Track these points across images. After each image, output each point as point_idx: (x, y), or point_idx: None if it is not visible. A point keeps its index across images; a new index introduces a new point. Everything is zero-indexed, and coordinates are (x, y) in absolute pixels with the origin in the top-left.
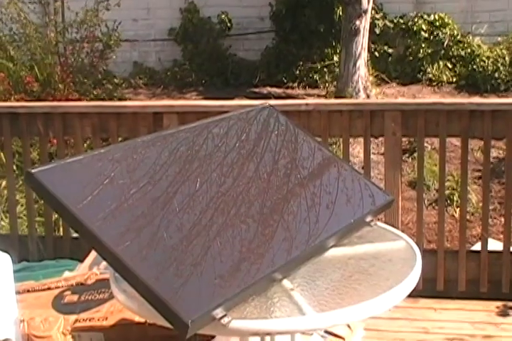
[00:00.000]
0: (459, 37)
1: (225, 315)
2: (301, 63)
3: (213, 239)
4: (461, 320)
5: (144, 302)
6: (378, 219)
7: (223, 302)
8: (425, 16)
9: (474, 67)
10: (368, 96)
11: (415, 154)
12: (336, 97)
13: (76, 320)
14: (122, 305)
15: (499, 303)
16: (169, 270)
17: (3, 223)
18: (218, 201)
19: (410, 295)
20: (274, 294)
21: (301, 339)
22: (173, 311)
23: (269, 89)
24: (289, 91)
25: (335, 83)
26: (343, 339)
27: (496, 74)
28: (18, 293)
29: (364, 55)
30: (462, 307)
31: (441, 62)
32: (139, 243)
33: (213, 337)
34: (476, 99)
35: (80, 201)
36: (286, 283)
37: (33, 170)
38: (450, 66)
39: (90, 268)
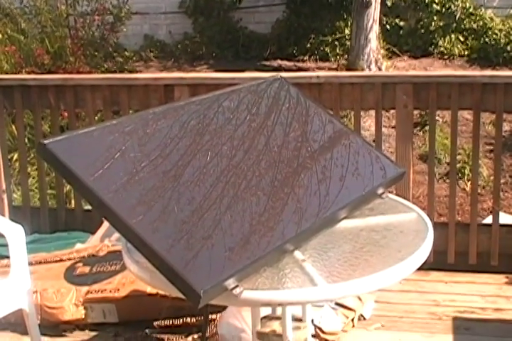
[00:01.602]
0: (471, 9)
1: (236, 286)
2: (312, 36)
3: (224, 212)
4: (472, 293)
5: (156, 273)
6: (389, 193)
7: (235, 273)
8: None
9: (486, 40)
10: (380, 69)
11: (426, 127)
12: (347, 70)
13: (88, 292)
14: (135, 276)
15: (510, 276)
16: (180, 243)
17: (15, 195)
18: (229, 174)
19: (421, 268)
20: (285, 265)
21: (312, 311)
22: (186, 281)
23: (279, 62)
24: (300, 64)
25: (346, 56)
26: (354, 311)
27: (508, 47)
28: (30, 264)
29: (375, 28)
30: (473, 280)
31: (453, 35)
32: (151, 216)
33: (225, 307)
34: (489, 72)
35: (93, 173)
36: (297, 254)
37: (45, 141)
38: (462, 39)
39: (102, 240)
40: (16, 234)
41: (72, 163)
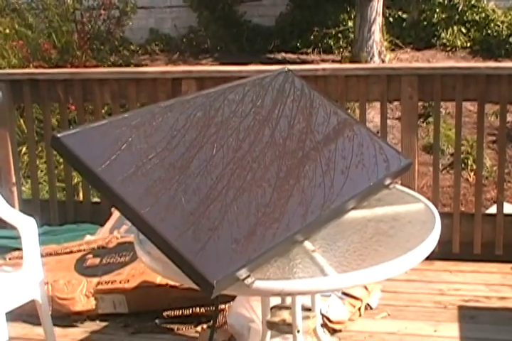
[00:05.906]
0: (473, 1)
1: (248, 276)
2: (315, 29)
3: (230, 204)
4: (477, 282)
5: (168, 264)
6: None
7: (247, 264)
8: None
9: (489, 31)
10: (383, 61)
11: (429, 119)
12: (351, 62)
13: (98, 283)
14: (147, 267)
15: None
16: (187, 234)
17: (24, 188)
18: (234, 166)
19: (426, 258)
20: (296, 255)
21: (320, 301)
22: (199, 272)
23: (283, 55)
24: (304, 56)
25: (349, 48)
26: (361, 300)
27: (511, 39)
28: (41, 256)
29: (379, 20)
30: (477, 269)
31: (455, 27)
32: (158, 207)
33: (234, 297)
34: (493, 64)
35: (104, 166)
36: (307, 244)
37: (59, 135)
38: (464, 31)
39: (111, 232)
40: (29, 227)
41: (85, 157)
